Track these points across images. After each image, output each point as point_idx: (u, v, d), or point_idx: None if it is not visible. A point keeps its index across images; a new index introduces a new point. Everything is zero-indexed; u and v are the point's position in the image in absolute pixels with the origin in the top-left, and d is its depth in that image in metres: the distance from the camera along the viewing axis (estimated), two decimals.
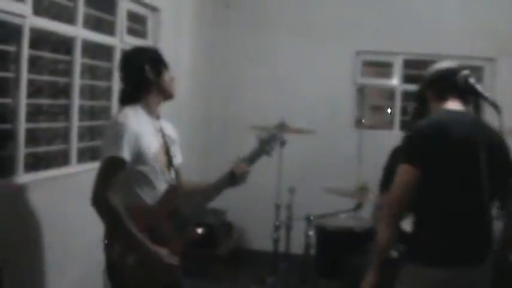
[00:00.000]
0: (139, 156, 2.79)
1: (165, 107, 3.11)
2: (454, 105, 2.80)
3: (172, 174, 3.05)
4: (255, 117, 5.67)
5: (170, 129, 3.17)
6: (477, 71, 6.36)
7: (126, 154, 2.71)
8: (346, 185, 4.94)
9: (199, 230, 3.08)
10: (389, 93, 6.79)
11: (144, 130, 2.85)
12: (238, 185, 3.23)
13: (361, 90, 6.62)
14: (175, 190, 3.01)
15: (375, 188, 5.15)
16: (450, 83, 2.82)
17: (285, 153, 5.18)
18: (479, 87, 2.24)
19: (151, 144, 2.88)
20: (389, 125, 6.70)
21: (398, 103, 6.57)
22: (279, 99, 6.34)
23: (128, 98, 2.98)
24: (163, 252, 2.80)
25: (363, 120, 5.98)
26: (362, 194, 4.67)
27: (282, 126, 5.00)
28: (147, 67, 2.96)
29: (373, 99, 7.30)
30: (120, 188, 2.73)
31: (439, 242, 2.67)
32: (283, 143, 5.14)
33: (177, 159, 3.16)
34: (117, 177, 2.70)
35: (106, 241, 2.83)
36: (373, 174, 5.20)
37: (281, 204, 5.25)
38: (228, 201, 5.87)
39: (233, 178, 3.18)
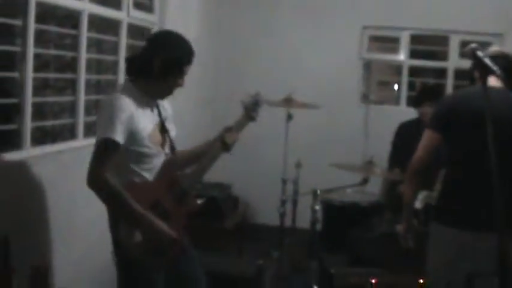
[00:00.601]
0: (134, 137, 2.77)
1: None
2: (491, 82, 2.93)
3: (168, 149, 3.02)
4: (263, 91, 5.66)
5: (164, 104, 3.12)
6: (485, 46, 6.31)
7: (120, 137, 2.68)
8: (353, 159, 4.95)
9: (199, 201, 3.09)
10: (396, 69, 6.77)
11: (139, 111, 2.81)
12: (226, 152, 3.18)
13: (367, 65, 6.60)
14: (172, 163, 3.00)
15: (381, 162, 5.16)
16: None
17: (291, 128, 5.18)
18: (487, 60, 2.23)
19: (146, 125, 2.85)
20: (396, 100, 6.69)
21: (405, 78, 6.55)
22: (285, 74, 6.33)
23: (131, 71, 2.95)
24: (165, 227, 2.80)
25: (370, 96, 5.96)
26: (368, 168, 4.66)
27: (289, 101, 5.00)
28: (157, 59, 2.85)
29: (380, 75, 7.28)
30: (118, 166, 2.73)
31: (460, 205, 2.96)
32: (289, 118, 5.15)
33: (172, 133, 3.11)
34: (112, 158, 2.69)
35: (111, 222, 2.85)
36: (380, 149, 5.22)
37: (287, 178, 5.26)
38: (234, 176, 5.93)
39: (224, 147, 3.14)
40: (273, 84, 5.93)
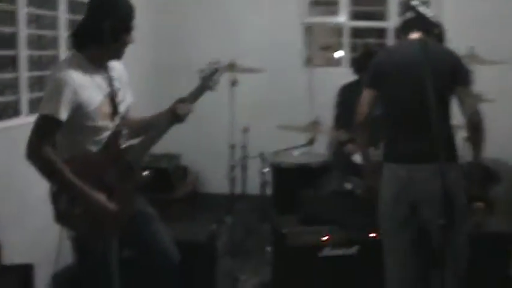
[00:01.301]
0: (80, 111, 2.72)
1: None
2: (413, 36, 3.21)
3: (117, 121, 2.96)
4: (204, 60, 5.63)
5: (119, 71, 3.05)
6: (424, 2, 6.40)
7: (63, 114, 2.64)
8: (299, 121, 4.99)
9: (146, 173, 3.01)
10: (338, 31, 6.81)
11: (86, 83, 2.76)
12: (179, 124, 3.11)
13: (309, 29, 6.62)
14: (118, 135, 2.94)
15: (326, 122, 5.23)
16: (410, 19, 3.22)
17: (237, 94, 5.20)
18: (421, 9, 2.31)
19: (94, 97, 2.80)
20: (338, 62, 6.74)
21: (346, 40, 6.60)
22: (228, 41, 6.30)
23: (77, 41, 2.88)
24: (103, 200, 2.77)
25: (313, 59, 6.00)
26: (314, 128, 4.72)
27: (232, 67, 5.00)
28: (106, 25, 2.79)
29: (322, 38, 7.32)
30: (61, 139, 2.72)
31: (397, 144, 3.26)
32: (234, 83, 5.16)
33: (126, 103, 3.05)
34: (52, 134, 2.66)
35: (52, 194, 2.80)
36: (325, 111, 5.28)
37: (235, 144, 5.28)
38: (182, 145, 5.91)
39: (175, 118, 3.08)
40: (215, 50, 5.91)
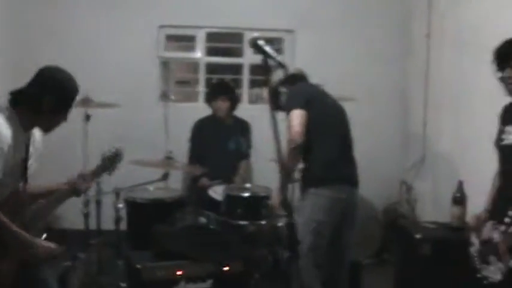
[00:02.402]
0: None
1: None
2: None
3: (21, 183, 2.96)
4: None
5: (37, 138, 3.06)
6: (278, 42, 6.70)
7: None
8: (154, 156, 5.02)
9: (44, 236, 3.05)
10: (195, 66, 6.92)
11: (14, 142, 2.73)
12: (77, 197, 3.27)
13: (165, 64, 6.69)
14: (17, 196, 2.93)
15: (182, 159, 5.30)
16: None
17: (90, 128, 5.14)
18: (267, 48, 2.44)
19: (13, 158, 2.77)
20: (194, 97, 6.85)
21: (202, 76, 6.73)
22: (82, 74, 6.13)
23: (16, 103, 2.85)
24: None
25: (169, 94, 6.06)
26: (168, 163, 4.77)
27: (86, 101, 4.97)
28: (46, 98, 2.83)
29: (179, 73, 7.41)
30: None
31: (329, 169, 3.78)
32: (87, 118, 5.12)
33: (32, 168, 3.05)
34: None
35: None
36: (180, 146, 5.36)
37: None
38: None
39: (75, 192, 3.20)
40: None
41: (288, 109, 3.81)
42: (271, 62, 2.49)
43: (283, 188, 3.66)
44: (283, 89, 4.08)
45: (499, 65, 3.07)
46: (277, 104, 4.00)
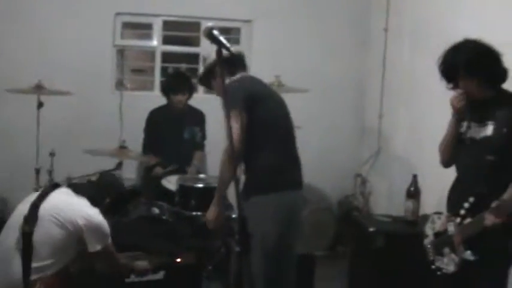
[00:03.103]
0: None
1: None
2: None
3: None
4: (10, 79, 5.44)
5: None
6: (235, 32, 6.66)
7: None
8: (109, 146, 4.95)
9: None
10: (150, 55, 6.84)
11: None
12: None
13: (121, 52, 6.58)
14: None
15: (137, 148, 5.25)
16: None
17: (43, 117, 5.05)
18: (222, 38, 2.40)
19: None
20: (149, 86, 6.77)
21: (158, 65, 6.65)
22: (36, 60, 6.03)
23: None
24: None
25: (124, 82, 5.98)
26: (122, 153, 4.70)
27: (39, 88, 4.88)
28: (107, 201, 3.45)
29: (134, 61, 7.32)
30: None
31: (272, 175, 3.51)
32: (40, 105, 5.02)
33: None
34: None
35: None
36: (135, 136, 5.30)
37: (41, 168, 5.12)
38: None
39: None
40: (22, 70, 5.71)
41: (227, 107, 3.51)
42: (225, 53, 2.44)
43: (219, 201, 3.57)
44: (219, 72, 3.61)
45: (448, 81, 3.13)
46: (209, 84, 3.93)
